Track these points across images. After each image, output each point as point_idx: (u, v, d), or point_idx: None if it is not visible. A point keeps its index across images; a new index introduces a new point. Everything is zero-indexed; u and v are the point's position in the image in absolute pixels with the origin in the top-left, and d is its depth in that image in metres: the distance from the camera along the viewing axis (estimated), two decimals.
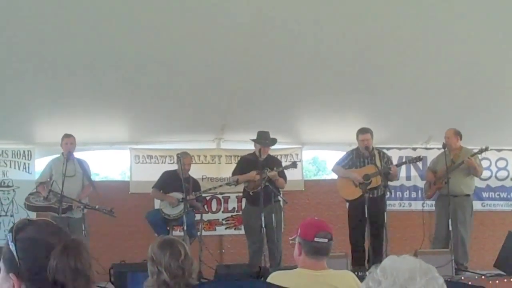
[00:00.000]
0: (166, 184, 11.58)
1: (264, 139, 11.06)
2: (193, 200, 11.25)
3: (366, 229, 10.58)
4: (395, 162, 12.51)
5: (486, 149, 11.20)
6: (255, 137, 11.15)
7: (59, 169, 10.72)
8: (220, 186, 11.85)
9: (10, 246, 2.56)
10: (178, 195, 11.18)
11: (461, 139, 11.22)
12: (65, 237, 2.67)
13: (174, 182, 11.41)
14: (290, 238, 5.03)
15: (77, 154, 11.23)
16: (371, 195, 10.55)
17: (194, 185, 11.46)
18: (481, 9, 9.98)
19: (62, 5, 9.10)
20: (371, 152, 10.91)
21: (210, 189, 11.82)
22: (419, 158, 11.57)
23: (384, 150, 11.67)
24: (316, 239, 4.69)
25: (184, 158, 11.29)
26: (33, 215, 10.45)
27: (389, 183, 11.01)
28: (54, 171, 10.90)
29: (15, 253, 2.55)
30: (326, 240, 4.72)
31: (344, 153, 11.46)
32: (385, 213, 10.45)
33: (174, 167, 11.76)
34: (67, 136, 10.91)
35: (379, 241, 10.50)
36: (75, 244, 2.63)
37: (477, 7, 9.95)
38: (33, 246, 2.58)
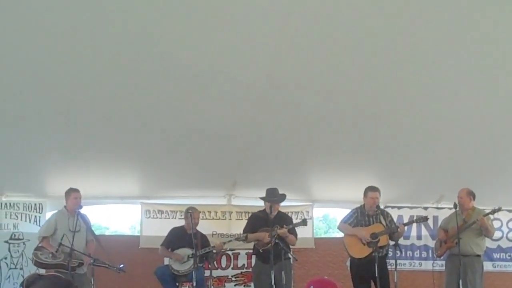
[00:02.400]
0: (174, 241, 11.56)
1: (272, 196, 11.05)
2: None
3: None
4: (406, 221, 12.52)
5: (499, 210, 11.12)
6: (264, 195, 11.15)
7: (64, 224, 10.51)
8: (229, 241, 11.83)
9: None
10: (187, 251, 11.17)
11: (474, 199, 11.17)
12: None
13: (182, 238, 11.42)
14: None
15: (87, 208, 11.18)
16: (380, 254, 10.48)
17: (203, 240, 11.43)
18: (492, 72, 10.03)
19: (73, 61, 9.19)
20: (376, 211, 10.87)
21: (224, 243, 11.74)
22: (426, 218, 11.46)
23: (395, 210, 11.64)
24: None
25: (194, 212, 11.29)
26: (42, 270, 10.35)
27: (400, 242, 10.94)
28: (58, 225, 10.57)
29: None
30: None
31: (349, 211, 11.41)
32: (396, 272, 10.35)
33: (184, 222, 11.74)
34: (75, 190, 10.71)
35: None
36: None
37: (488, 70, 10.00)
38: None
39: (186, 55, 9.37)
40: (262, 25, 8.77)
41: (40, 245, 10.52)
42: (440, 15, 8.74)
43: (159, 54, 9.31)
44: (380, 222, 10.72)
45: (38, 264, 10.33)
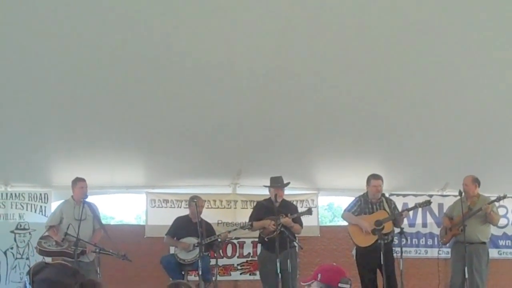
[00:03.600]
0: (179, 230, 11.56)
1: (276, 183, 11.04)
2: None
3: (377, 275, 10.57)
4: None
5: (504, 197, 11.07)
6: (268, 183, 11.15)
7: (70, 213, 10.59)
8: (235, 229, 11.83)
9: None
10: (193, 240, 11.17)
11: (479, 186, 11.14)
12: (81, 279, 2.69)
13: (186, 227, 11.41)
14: (304, 283, 5.00)
15: (93, 198, 11.19)
16: (385, 241, 10.48)
17: (207, 228, 11.41)
18: (498, 59, 10.00)
19: (79, 53, 9.20)
20: (379, 198, 10.87)
21: (229, 231, 11.75)
22: (428, 202, 11.41)
23: (400, 198, 11.63)
24: (340, 285, 4.67)
25: (198, 201, 11.29)
26: (48, 259, 10.37)
27: (405, 230, 10.92)
28: (64, 214, 10.67)
29: None
30: (348, 286, 4.71)
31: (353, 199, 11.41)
32: (401, 260, 10.34)
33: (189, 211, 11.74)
34: (81, 180, 10.77)
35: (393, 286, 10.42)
36: (92, 284, 2.65)
37: (494, 58, 9.97)
38: (49, 287, 2.58)
39: (191, 46, 9.40)
40: (267, 15, 8.78)
41: (46, 234, 10.61)
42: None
43: (165, 46, 9.33)
44: (384, 209, 10.72)
45: (42, 252, 10.47)
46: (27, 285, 2.59)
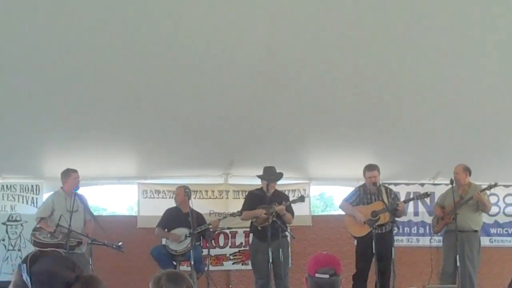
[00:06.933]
0: (169, 221, 11.57)
1: (269, 175, 11.06)
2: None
3: (372, 265, 10.55)
4: (402, 198, 12.53)
5: (495, 185, 11.14)
6: (261, 173, 11.16)
7: (61, 204, 10.63)
8: (225, 217, 11.84)
9: (24, 278, 2.51)
10: (184, 231, 11.17)
11: (470, 175, 11.18)
12: (79, 273, 2.65)
13: (177, 218, 11.43)
14: None
15: (84, 189, 11.18)
16: (379, 231, 10.51)
17: (198, 218, 11.39)
18: (488, 47, 10.01)
19: (71, 42, 9.16)
20: (378, 189, 10.86)
21: (219, 219, 11.75)
22: (426, 194, 11.48)
23: (391, 187, 11.65)
24: (317, 275, 4.53)
25: (177, 190, 11.42)
26: None
27: (397, 218, 10.93)
28: (56, 206, 10.71)
29: (29, 286, 2.51)
30: (327, 276, 4.51)
31: (352, 189, 11.43)
32: (393, 248, 10.38)
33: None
34: (74, 171, 10.82)
35: (387, 277, 10.44)
36: (91, 280, 2.62)
37: (484, 46, 9.97)
38: (49, 280, 2.54)
39: (182, 34, 9.35)
40: (260, 8, 8.76)
41: (38, 226, 10.61)
42: None
43: (155, 33, 9.28)
44: (382, 200, 10.72)
45: (37, 244, 10.43)
46: (25, 275, 2.52)
